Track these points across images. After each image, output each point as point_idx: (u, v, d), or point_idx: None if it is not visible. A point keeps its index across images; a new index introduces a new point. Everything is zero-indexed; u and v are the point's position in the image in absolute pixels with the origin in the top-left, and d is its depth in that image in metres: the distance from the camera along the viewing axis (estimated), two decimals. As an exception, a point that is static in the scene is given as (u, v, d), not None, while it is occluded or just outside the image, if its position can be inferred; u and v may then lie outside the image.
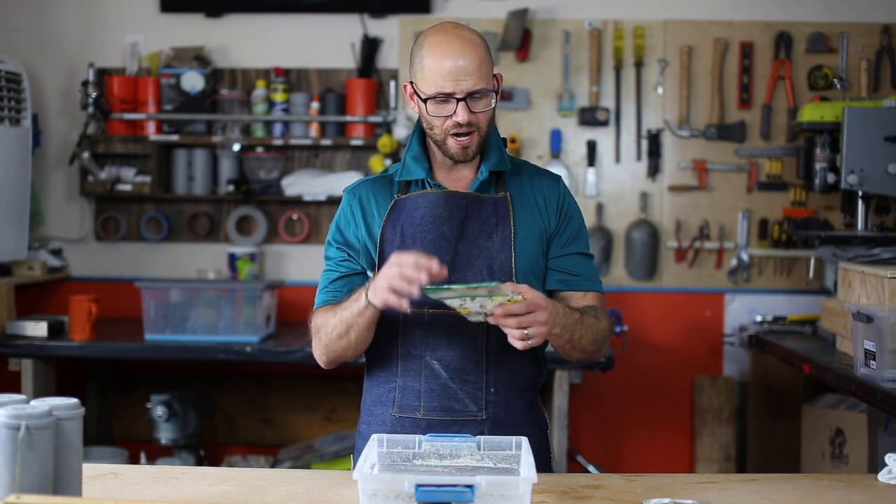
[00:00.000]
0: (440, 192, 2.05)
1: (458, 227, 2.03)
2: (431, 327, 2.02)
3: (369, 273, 2.08)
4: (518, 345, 1.87)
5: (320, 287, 2.13)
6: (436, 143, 2.05)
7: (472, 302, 1.83)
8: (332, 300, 2.08)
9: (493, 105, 2.02)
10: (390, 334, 2.05)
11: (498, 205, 2.06)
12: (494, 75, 2.03)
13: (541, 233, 2.08)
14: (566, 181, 3.47)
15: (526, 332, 1.85)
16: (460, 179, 2.09)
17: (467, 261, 2.02)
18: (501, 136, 2.16)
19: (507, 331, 1.87)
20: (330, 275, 2.11)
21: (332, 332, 2.01)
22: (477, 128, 2.00)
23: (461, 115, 1.97)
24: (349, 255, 2.10)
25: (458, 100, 1.96)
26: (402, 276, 1.81)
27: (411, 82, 2.05)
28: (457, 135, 1.99)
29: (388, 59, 4.29)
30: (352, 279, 2.09)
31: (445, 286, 1.81)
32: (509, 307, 1.83)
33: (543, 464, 2.10)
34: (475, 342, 2.02)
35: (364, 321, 1.95)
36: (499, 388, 2.04)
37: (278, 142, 4.21)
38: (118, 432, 4.38)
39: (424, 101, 1.99)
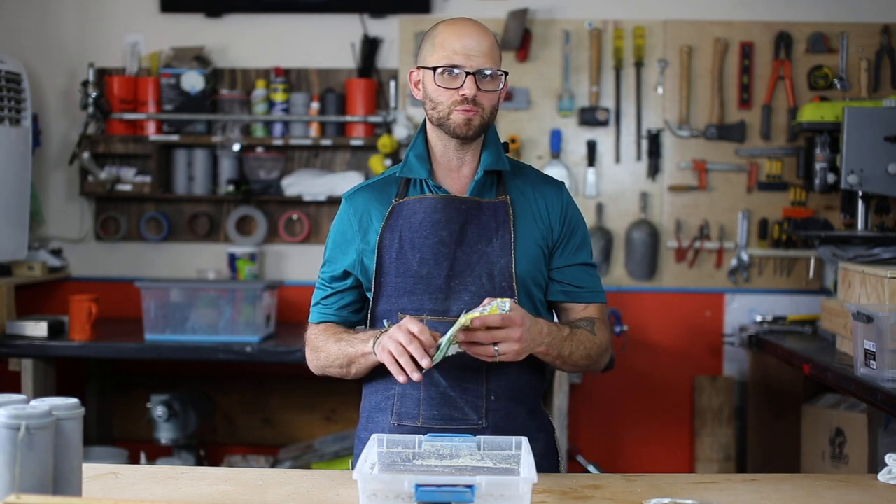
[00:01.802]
0: (439, 197, 2.04)
1: (458, 233, 2.02)
2: None
3: (364, 281, 2.08)
4: (485, 358, 1.86)
5: (314, 300, 2.15)
6: (439, 122, 2.02)
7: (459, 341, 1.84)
8: (325, 319, 2.12)
9: (499, 88, 2.01)
10: None
11: (498, 209, 2.04)
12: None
13: (543, 239, 2.06)
14: (566, 181, 3.49)
15: (496, 348, 1.84)
16: (460, 179, 2.07)
17: (467, 267, 2.01)
18: (501, 136, 2.15)
19: (476, 348, 1.84)
20: (323, 290, 2.14)
21: (334, 361, 2.05)
22: (481, 108, 1.99)
23: (468, 88, 1.96)
24: (343, 271, 2.10)
25: (468, 73, 1.96)
26: (408, 355, 1.82)
27: (418, 67, 2.05)
28: (462, 110, 1.98)
29: (388, 59, 4.29)
30: (343, 296, 2.12)
31: (439, 351, 1.82)
32: (486, 318, 1.81)
33: (552, 468, 2.09)
34: None
35: (368, 362, 1.99)
36: (499, 396, 2.01)
37: (278, 142, 4.21)
38: (118, 432, 4.38)
39: (434, 70, 1.98)
